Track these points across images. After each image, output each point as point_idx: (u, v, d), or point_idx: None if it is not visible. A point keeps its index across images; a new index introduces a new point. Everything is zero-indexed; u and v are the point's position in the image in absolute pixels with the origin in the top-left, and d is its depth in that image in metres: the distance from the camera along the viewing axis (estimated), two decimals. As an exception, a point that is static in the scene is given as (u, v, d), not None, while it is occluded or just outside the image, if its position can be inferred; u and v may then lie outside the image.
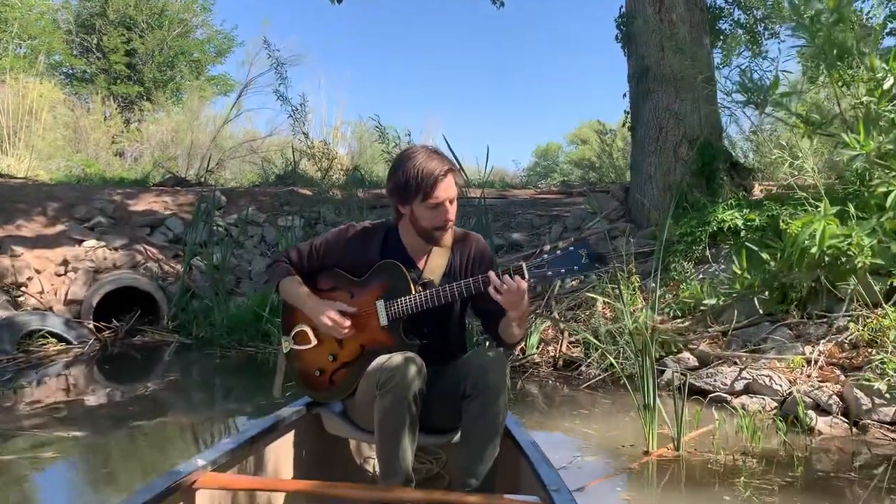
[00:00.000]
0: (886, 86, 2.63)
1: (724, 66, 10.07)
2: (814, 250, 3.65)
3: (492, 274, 2.23)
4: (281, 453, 2.65)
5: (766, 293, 4.67)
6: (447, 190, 2.32)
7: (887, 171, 3.04)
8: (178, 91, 23.59)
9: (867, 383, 4.01)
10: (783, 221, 4.64)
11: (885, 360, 3.85)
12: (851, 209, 3.83)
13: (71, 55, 22.31)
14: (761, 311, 4.91)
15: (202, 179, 12.21)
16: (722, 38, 10.29)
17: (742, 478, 3.32)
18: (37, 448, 3.76)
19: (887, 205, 2.84)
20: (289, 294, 2.55)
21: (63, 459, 3.64)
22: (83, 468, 3.62)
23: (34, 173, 12.39)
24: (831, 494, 3.07)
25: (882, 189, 3.03)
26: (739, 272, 4.53)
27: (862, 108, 2.82)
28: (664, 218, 5.16)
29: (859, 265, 3.65)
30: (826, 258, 3.78)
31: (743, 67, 4.53)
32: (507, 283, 2.19)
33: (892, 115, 2.95)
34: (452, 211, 2.36)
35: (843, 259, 3.73)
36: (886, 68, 2.60)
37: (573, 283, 6.58)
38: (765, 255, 4.71)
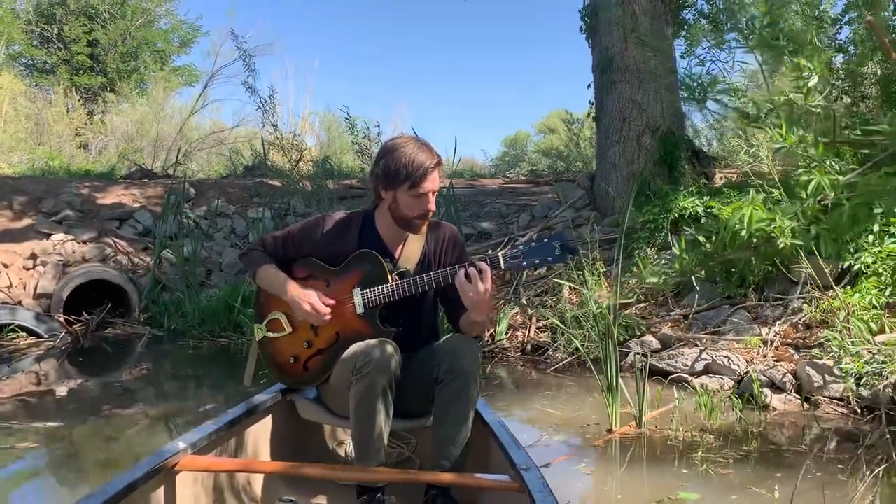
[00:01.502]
0: (811, 84, 2.80)
1: (687, 56, 10.29)
2: (743, 233, 3.92)
3: (468, 266, 2.31)
4: (258, 437, 2.72)
5: (703, 272, 5.13)
6: (433, 182, 2.41)
7: (810, 162, 3.26)
8: (143, 82, 23.27)
9: (819, 361, 4.22)
10: (717, 209, 4.94)
11: (830, 337, 4.05)
12: (779, 194, 4.11)
13: (31, 45, 21.83)
14: (719, 291, 5.10)
15: (169, 171, 12.15)
16: (686, 27, 10.47)
17: (699, 452, 3.50)
18: (13, 439, 3.81)
19: (808, 192, 3.07)
20: (266, 281, 2.59)
21: (41, 449, 3.69)
22: (62, 457, 3.67)
23: (-4, 167, 12.25)
24: (782, 466, 3.25)
25: (805, 178, 3.28)
26: (679, 253, 5.00)
27: (789, 104, 3.01)
28: (628, 206, 5.35)
29: (781, 246, 3.92)
30: (754, 240, 4.06)
31: (701, 58, 4.69)
32: (471, 278, 2.26)
33: (819, 110, 3.15)
34: (433, 202, 2.45)
35: (768, 241, 4.03)
36: (811, 67, 2.77)
37: (541, 270, 6.73)
38: (701, 238, 5.12)
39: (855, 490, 2.58)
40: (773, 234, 4.00)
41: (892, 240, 4.69)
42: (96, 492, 1.87)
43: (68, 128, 18.54)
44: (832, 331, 4.21)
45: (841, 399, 4.11)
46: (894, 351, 3.57)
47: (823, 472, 3.17)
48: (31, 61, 22.48)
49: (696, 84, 3.96)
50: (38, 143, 17.05)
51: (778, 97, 3.36)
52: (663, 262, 6.03)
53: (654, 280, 4.82)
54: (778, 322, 4.93)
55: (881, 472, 2.80)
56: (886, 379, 3.42)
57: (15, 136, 15.70)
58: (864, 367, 3.62)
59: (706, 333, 5.14)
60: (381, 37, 60.85)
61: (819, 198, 3.12)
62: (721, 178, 8.16)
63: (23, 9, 22.02)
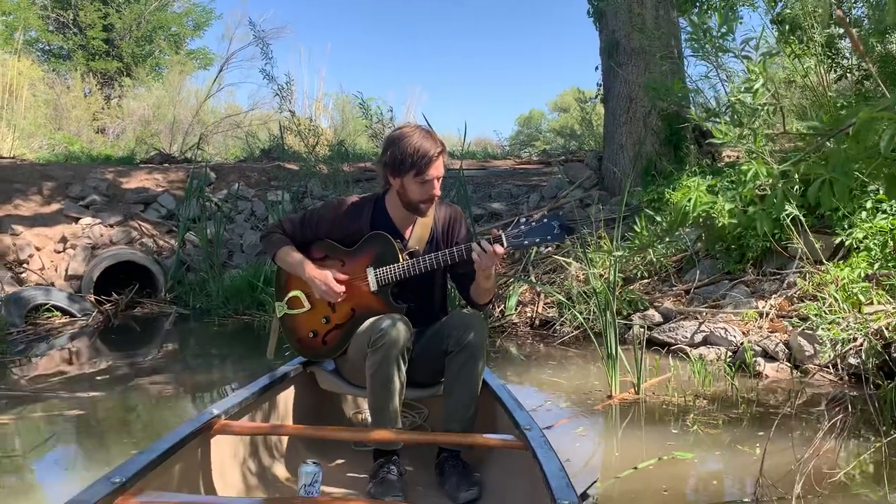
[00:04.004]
0: (756, 87, 3.05)
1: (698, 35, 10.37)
2: (691, 214, 4.35)
3: (473, 244, 2.52)
4: (282, 406, 2.95)
5: (659, 246, 5.88)
6: (438, 169, 2.58)
7: (750, 154, 3.56)
8: (158, 66, 23.52)
9: (810, 332, 4.47)
10: (667, 193, 5.72)
11: (809, 308, 4.33)
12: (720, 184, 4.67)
13: (47, 31, 22.13)
14: (719, 267, 5.39)
15: (187, 155, 12.45)
16: (698, 4, 10.54)
17: (692, 415, 3.78)
18: (63, 406, 4.15)
19: (746, 179, 3.41)
20: (286, 262, 2.77)
21: (86, 417, 4.02)
22: (105, 423, 4.01)
23: (19, 152, 12.55)
24: (767, 426, 3.50)
25: (745, 167, 3.63)
26: (639, 230, 5.72)
27: (739, 104, 3.28)
28: (628, 185, 5.64)
29: (720, 224, 4.68)
30: (700, 219, 4.59)
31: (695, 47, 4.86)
32: (486, 249, 2.47)
33: (770, 109, 3.41)
34: (438, 187, 2.63)
35: (710, 220, 4.80)
36: (758, 72, 3.02)
37: (549, 248, 6.99)
38: (658, 218, 5.84)
39: (821, 440, 2.85)
40: (713, 215, 4.43)
41: (883, 216, 4.92)
42: (146, 450, 2.09)
43: (86, 112, 18.82)
44: (822, 303, 4.46)
45: (831, 366, 4.37)
46: (866, 320, 3.82)
47: (804, 430, 3.44)
48: (47, 47, 22.77)
49: (660, 89, 4.32)
50: (56, 128, 17.37)
51: (729, 98, 3.64)
52: (668, 239, 6.29)
53: (619, 254, 5.38)
54: (774, 295, 5.18)
55: (839, 423, 3.07)
56: (856, 342, 3.68)
57: (35, 121, 15.96)
58: (839, 335, 3.88)
59: (706, 307, 5.40)
60: (392, 20, 60.77)
61: (758, 183, 3.43)
62: (727, 157, 8.36)
63: (38, -6, 22.29)
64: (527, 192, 9.18)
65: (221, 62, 21.43)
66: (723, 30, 3.21)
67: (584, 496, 2.70)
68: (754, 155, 3.14)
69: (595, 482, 2.88)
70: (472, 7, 72.72)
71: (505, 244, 2.49)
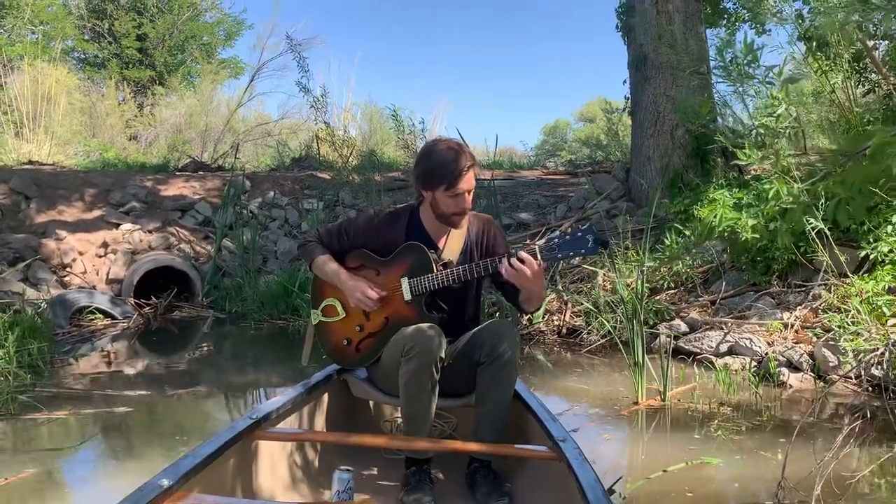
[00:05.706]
0: (778, 112, 3.18)
1: (727, 49, 10.44)
2: (717, 228, 4.52)
3: (505, 259, 2.51)
4: (316, 413, 3.02)
5: (687, 258, 6.19)
6: (468, 182, 2.60)
7: (772, 173, 3.70)
8: (190, 75, 23.96)
9: (834, 343, 4.56)
10: (695, 209, 6.12)
11: (832, 318, 4.43)
12: (746, 199, 4.91)
13: (83, 40, 22.64)
14: (745, 279, 5.51)
15: (219, 162, 12.74)
16: (726, 17, 10.59)
17: (716, 422, 3.89)
18: (113, 404, 4.38)
19: (769, 197, 3.54)
20: (322, 270, 2.82)
21: (129, 415, 4.23)
22: (147, 422, 4.22)
23: (55, 159, 12.89)
24: (789, 433, 3.60)
25: (767, 186, 3.77)
26: (669, 243, 6.08)
27: (763, 127, 3.41)
28: (655, 198, 5.77)
29: (743, 238, 4.95)
30: (725, 233, 5.10)
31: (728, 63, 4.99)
32: (516, 266, 2.45)
33: (791, 131, 3.55)
34: (469, 200, 2.68)
35: (734, 235, 5.12)
36: (780, 98, 3.15)
37: (578, 259, 7.12)
38: (687, 231, 6.18)
39: (840, 445, 2.96)
40: (737, 230, 4.60)
41: (909, 230, 4.99)
42: (190, 454, 2.19)
43: (120, 120, 19.21)
44: (845, 314, 4.56)
45: (856, 377, 4.45)
46: (889, 331, 3.92)
47: (826, 437, 3.55)
48: (83, 55, 23.28)
49: (689, 111, 4.52)
50: (91, 135, 17.77)
51: (753, 122, 3.79)
52: (695, 251, 6.41)
53: (650, 264, 5.65)
54: (799, 307, 5.27)
55: (857, 428, 3.18)
56: (877, 351, 3.79)
57: (70, 128, 16.30)
58: (861, 345, 3.99)
59: (731, 318, 5.50)
60: (420, 30, 61.19)
61: (779, 201, 3.57)
62: (754, 170, 8.44)
63: (75, 4, 22.81)
64: (554, 203, 9.31)
65: (252, 72, 21.76)
66: (748, 57, 3.36)
67: (610, 491, 2.80)
68: (775, 174, 3.28)
69: (620, 479, 3.00)
70: (497, 18, 72.98)
71: (538, 257, 2.49)
